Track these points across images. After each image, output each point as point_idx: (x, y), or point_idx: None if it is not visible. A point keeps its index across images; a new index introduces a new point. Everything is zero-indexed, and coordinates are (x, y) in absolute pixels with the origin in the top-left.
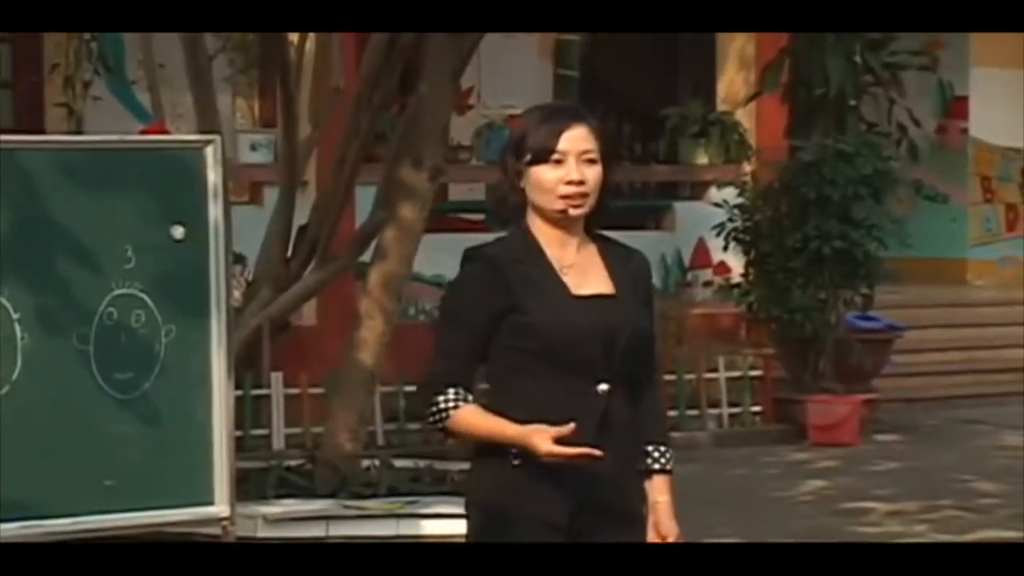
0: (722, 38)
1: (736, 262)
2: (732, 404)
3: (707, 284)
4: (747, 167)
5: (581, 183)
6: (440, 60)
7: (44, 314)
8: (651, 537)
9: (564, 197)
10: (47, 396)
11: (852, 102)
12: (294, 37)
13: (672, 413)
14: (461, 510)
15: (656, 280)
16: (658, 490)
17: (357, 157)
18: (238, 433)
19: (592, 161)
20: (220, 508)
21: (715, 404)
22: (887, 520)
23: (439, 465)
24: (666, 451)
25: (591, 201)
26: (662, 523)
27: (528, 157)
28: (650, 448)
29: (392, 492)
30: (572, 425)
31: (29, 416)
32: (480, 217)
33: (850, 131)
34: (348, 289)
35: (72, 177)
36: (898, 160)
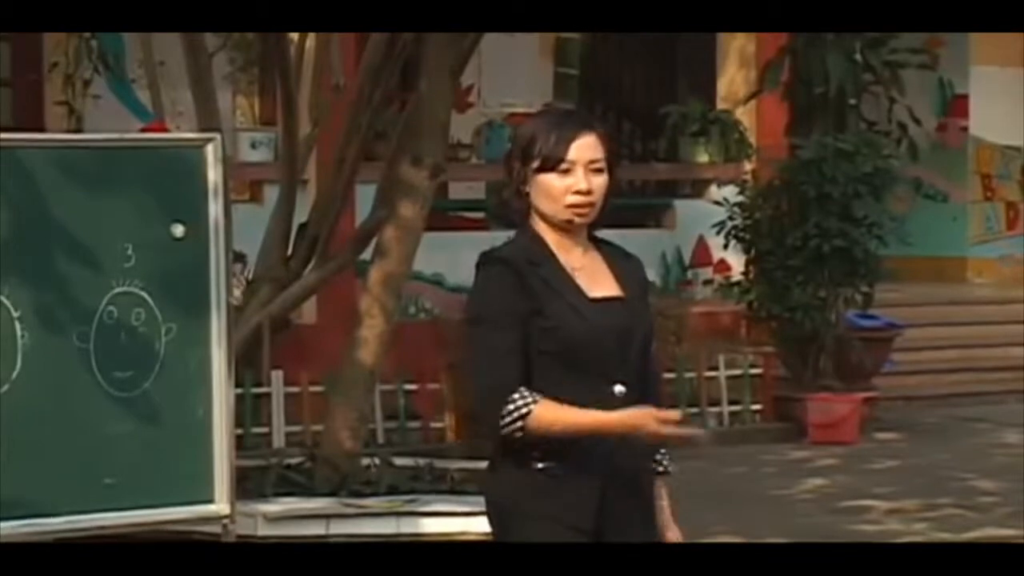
0: (722, 36)
1: (736, 260)
2: (732, 402)
3: (707, 282)
4: (747, 165)
5: (588, 193)
6: (440, 58)
7: (44, 312)
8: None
9: (570, 206)
10: (47, 394)
11: (852, 100)
12: (294, 35)
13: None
14: (461, 508)
15: (656, 278)
16: (660, 493)
17: (357, 155)
18: (238, 431)
19: (599, 170)
20: (220, 506)
21: (715, 402)
22: (887, 518)
23: (439, 463)
24: (666, 453)
25: (596, 209)
26: (668, 528)
27: (536, 164)
28: (656, 449)
29: (392, 490)
30: (678, 412)
31: (29, 414)
32: (480, 215)
33: (850, 129)
34: (348, 287)
35: (72, 175)
36: (898, 158)
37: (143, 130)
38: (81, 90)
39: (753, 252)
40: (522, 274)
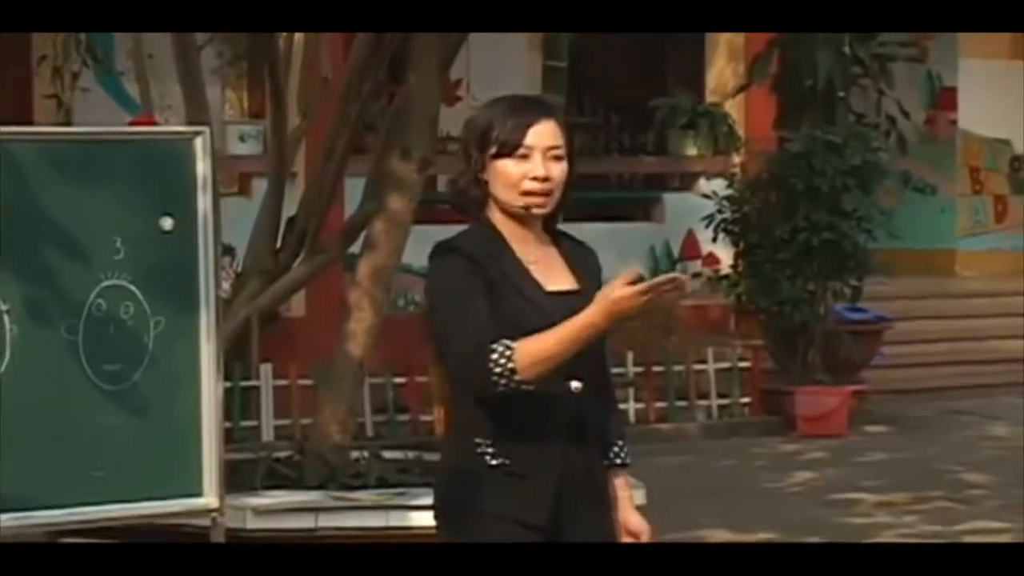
0: None
1: (725, 253)
2: (721, 395)
3: (696, 275)
4: (736, 158)
5: (546, 180)
6: (429, 51)
7: (33, 305)
8: (623, 535)
9: (527, 193)
10: (36, 388)
11: (841, 93)
12: None
13: (661, 404)
14: None
15: (645, 271)
16: (620, 485)
17: (346, 148)
18: (227, 424)
19: (558, 158)
20: (209, 500)
21: (704, 395)
22: (876, 511)
23: (428, 456)
24: (624, 445)
25: (555, 199)
26: (630, 519)
27: (493, 150)
28: (612, 442)
29: (381, 483)
30: (638, 270)
31: (17, 408)
32: None
33: (839, 122)
34: (337, 280)
35: (61, 168)
36: (887, 151)
37: (132, 123)
38: (70, 83)
39: (742, 245)
40: (479, 263)
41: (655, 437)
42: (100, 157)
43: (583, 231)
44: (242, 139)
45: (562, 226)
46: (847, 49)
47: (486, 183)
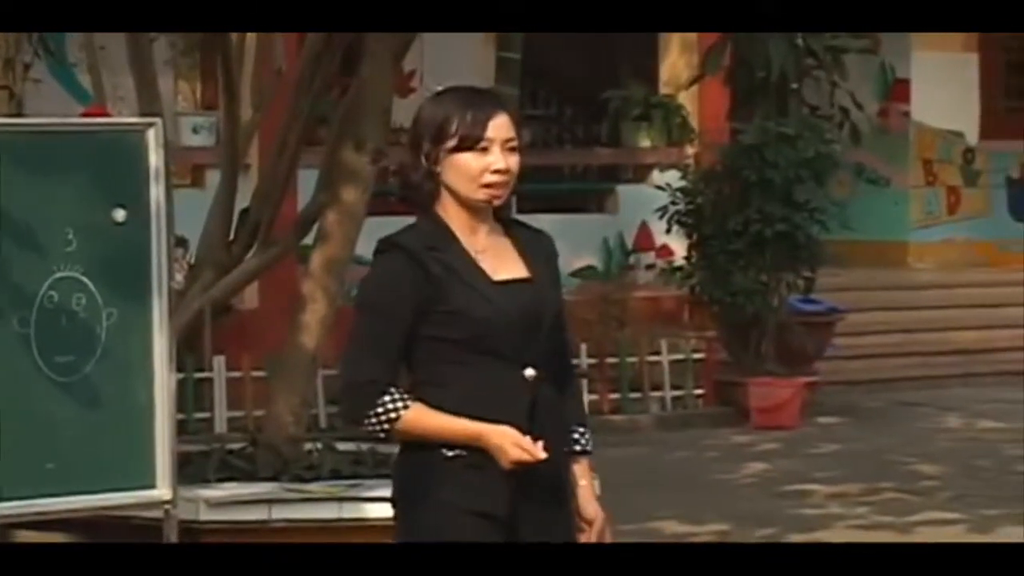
0: None
1: (678, 245)
2: (675, 387)
3: (649, 267)
4: (689, 150)
5: (506, 172)
6: (381, 43)
7: None
8: (579, 523)
9: (487, 186)
10: None
11: (794, 85)
12: None
13: (615, 396)
14: None
15: (598, 263)
16: (580, 473)
17: (299, 140)
18: (180, 416)
19: (514, 149)
20: (162, 491)
21: (658, 387)
22: (829, 502)
23: (381, 448)
24: (586, 432)
25: (509, 190)
26: (587, 507)
27: (453, 143)
28: (573, 430)
29: (335, 475)
30: (537, 442)
31: None
32: None
33: (792, 114)
34: (290, 272)
35: (12, 160)
36: (840, 143)
37: (84, 114)
38: (21, 74)
39: (695, 237)
40: (420, 261)
41: (609, 429)
42: (52, 148)
43: (537, 222)
44: (195, 131)
45: (517, 217)
46: (800, 41)
47: (438, 175)
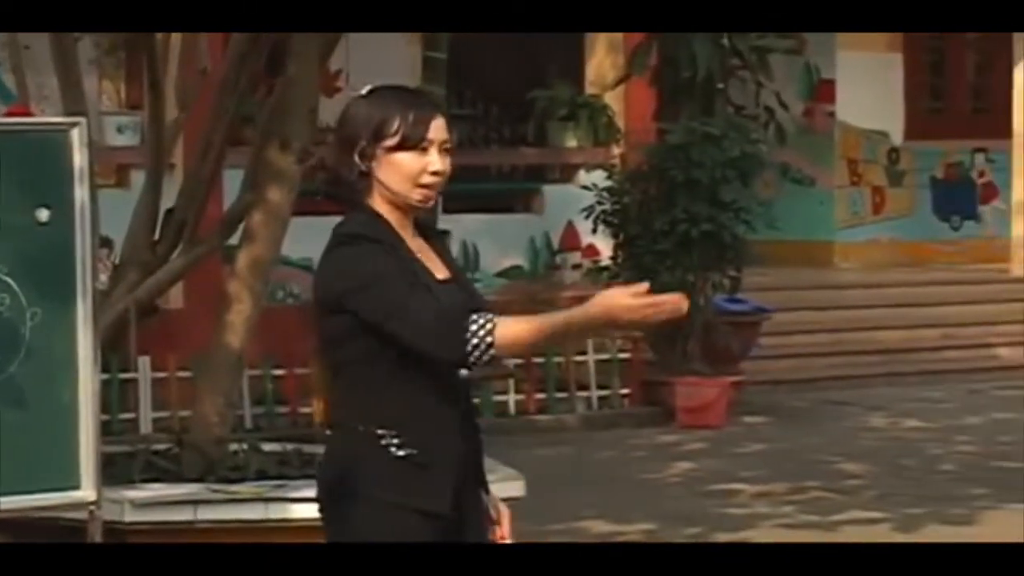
0: None
1: (605, 245)
2: (601, 387)
3: (576, 267)
4: (615, 150)
5: (443, 173)
6: (308, 43)
7: None
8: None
9: (424, 186)
10: None
11: (720, 85)
12: None
13: (541, 396)
14: None
15: (525, 263)
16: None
17: (224, 140)
18: (105, 417)
19: (448, 151)
20: (87, 492)
21: (584, 387)
22: (754, 501)
23: (307, 448)
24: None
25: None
26: (494, 503)
27: (392, 142)
28: None
29: (260, 476)
30: (646, 285)
31: None
32: None
33: (718, 114)
34: (215, 272)
35: None
36: (765, 143)
37: (7, 114)
38: None
39: (621, 237)
40: (389, 249)
41: (535, 428)
42: None
43: (463, 222)
44: (119, 130)
45: (444, 218)
46: (725, 41)
47: (372, 174)
